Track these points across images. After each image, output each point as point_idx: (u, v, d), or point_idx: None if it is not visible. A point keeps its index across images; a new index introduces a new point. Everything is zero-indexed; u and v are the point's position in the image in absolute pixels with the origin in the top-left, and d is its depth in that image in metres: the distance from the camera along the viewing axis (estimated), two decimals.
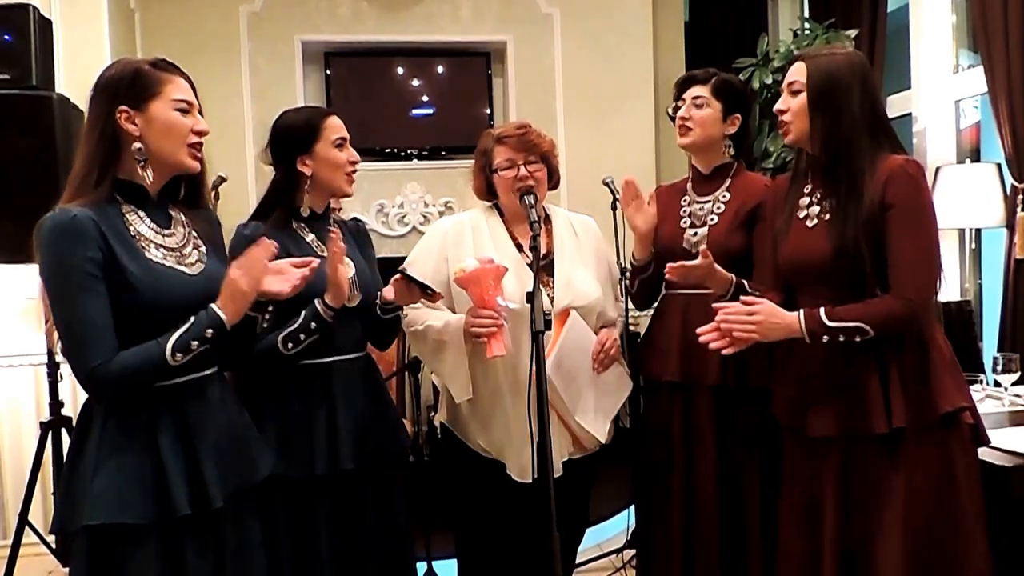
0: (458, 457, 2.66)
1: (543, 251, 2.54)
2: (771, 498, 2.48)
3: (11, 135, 3.28)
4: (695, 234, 2.69)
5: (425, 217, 5.21)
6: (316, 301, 2.26)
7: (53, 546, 3.46)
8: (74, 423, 1.97)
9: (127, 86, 1.89)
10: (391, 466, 2.47)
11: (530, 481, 2.48)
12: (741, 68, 4.82)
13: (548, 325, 2.47)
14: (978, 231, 4.36)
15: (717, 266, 2.44)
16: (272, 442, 2.24)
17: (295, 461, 2.28)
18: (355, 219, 2.69)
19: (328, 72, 5.20)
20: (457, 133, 5.23)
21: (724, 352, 2.20)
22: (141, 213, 1.92)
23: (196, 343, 1.86)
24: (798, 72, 2.24)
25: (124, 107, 1.87)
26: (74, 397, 3.75)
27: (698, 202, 2.75)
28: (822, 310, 2.12)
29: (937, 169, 4.13)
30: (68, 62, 3.93)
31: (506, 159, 2.58)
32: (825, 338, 2.13)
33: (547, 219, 2.71)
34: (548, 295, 2.54)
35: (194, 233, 2.02)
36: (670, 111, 2.80)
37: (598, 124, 5.27)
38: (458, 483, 2.70)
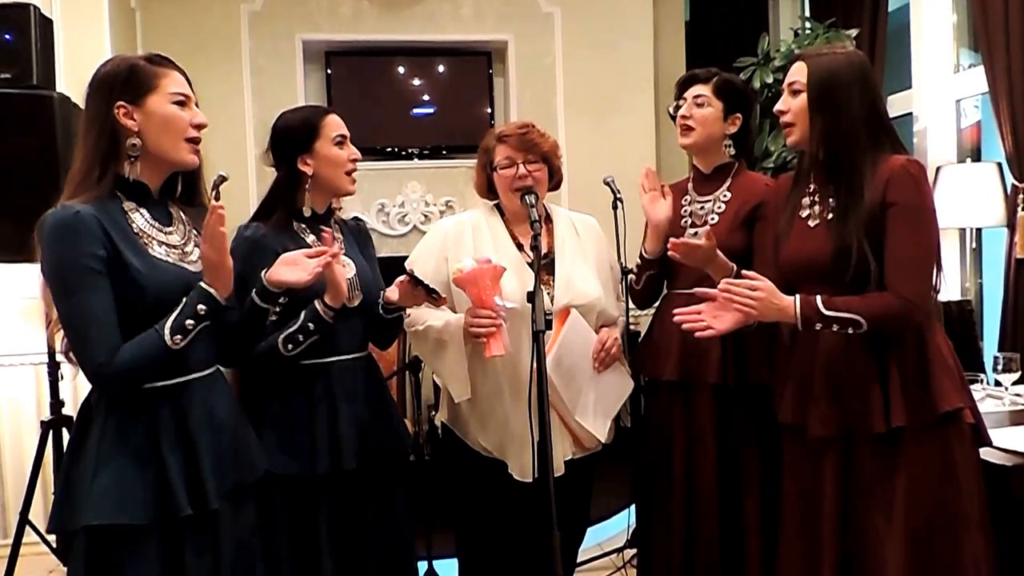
0: (459, 456, 2.66)
1: (544, 250, 2.54)
2: (771, 497, 2.48)
3: (12, 134, 3.27)
4: (696, 233, 2.69)
5: (426, 216, 5.21)
6: (316, 301, 2.26)
7: (54, 545, 3.46)
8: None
9: (123, 82, 1.89)
10: (392, 466, 2.46)
11: (531, 480, 2.48)
12: (742, 67, 4.81)
13: (549, 324, 2.47)
14: (979, 230, 4.36)
15: (720, 253, 2.44)
16: (274, 442, 2.25)
17: (296, 460, 2.28)
18: (356, 218, 2.69)
19: (329, 71, 5.20)
20: (458, 132, 5.24)
21: (699, 335, 2.19)
22: (143, 210, 1.93)
23: (191, 321, 1.86)
24: (799, 72, 2.24)
25: (122, 103, 1.88)
26: (75, 396, 3.74)
27: (699, 202, 2.75)
28: (819, 298, 2.12)
29: (938, 169, 4.13)
30: (69, 61, 3.92)
31: (505, 157, 2.58)
32: (818, 326, 2.12)
33: (548, 218, 2.71)
34: (548, 294, 2.54)
35: (194, 231, 2.02)
36: (671, 110, 2.80)
37: (599, 123, 5.27)
38: (459, 482, 2.70)
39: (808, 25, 5.06)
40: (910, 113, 4.68)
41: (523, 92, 5.31)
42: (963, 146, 4.61)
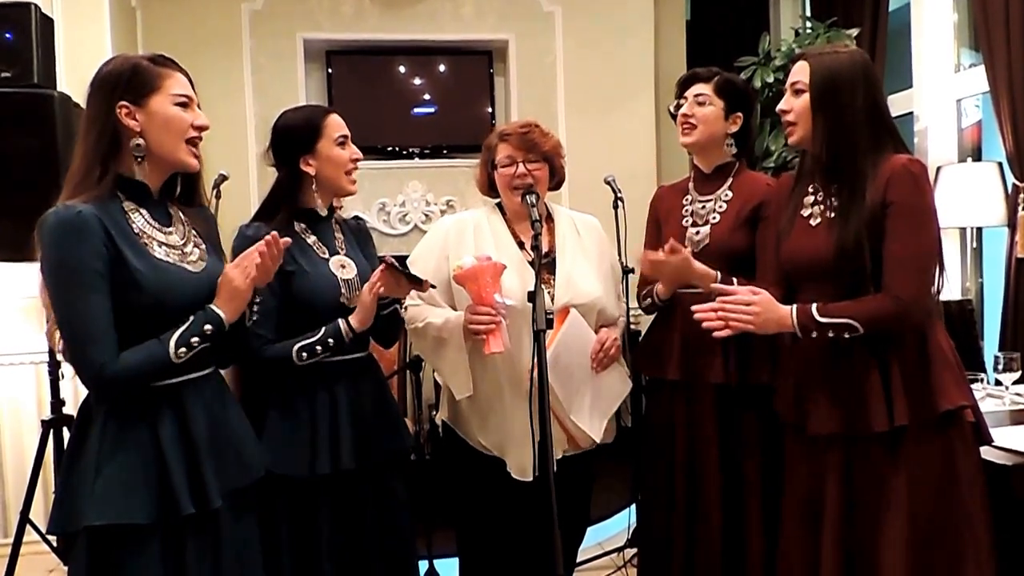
0: (460, 455, 2.66)
1: (545, 249, 2.54)
2: (773, 496, 2.48)
3: (12, 133, 3.27)
4: (697, 233, 2.69)
5: (427, 216, 5.21)
6: (340, 321, 2.28)
7: (54, 544, 3.46)
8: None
9: (127, 81, 1.88)
10: (393, 465, 2.46)
11: (530, 479, 2.48)
12: (743, 67, 4.81)
13: (550, 324, 2.47)
14: (979, 230, 4.36)
15: (696, 262, 2.43)
16: (274, 441, 2.25)
17: (297, 460, 2.28)
18: (356, 218, 2.69)
19: (330, 70, 5.21)
20: (459, 132, 5.24)
21: (717, 335, 2.19)
22: (143, 211, 1.92)
23: (197, 339, 1.87)
24: (801, 71, 2.24)
25: (124, 102, 1.87)
26: (75, 395, 3.75)
27: (700, 201, 2.75)
28: (814, 306, 2.13)
29: (938, 168, 4.13)
30: (69, 60, 3.93)
31: (506, 156, 2.59)
32: (815, 334, 2.13)
33: (549, 217, 2.71)
34: (549, 293, 2.54)
35: (193, 231, 2.01)
36: (672, 109, 2.80)
37: (599, 122, 5.27)
38: (460, 481, 2.70)
39: (809, 24, 5.06)
40: (911, 112, 4.68)
41: (524, 91, 5.31)
42: (964, 145, 4.61)
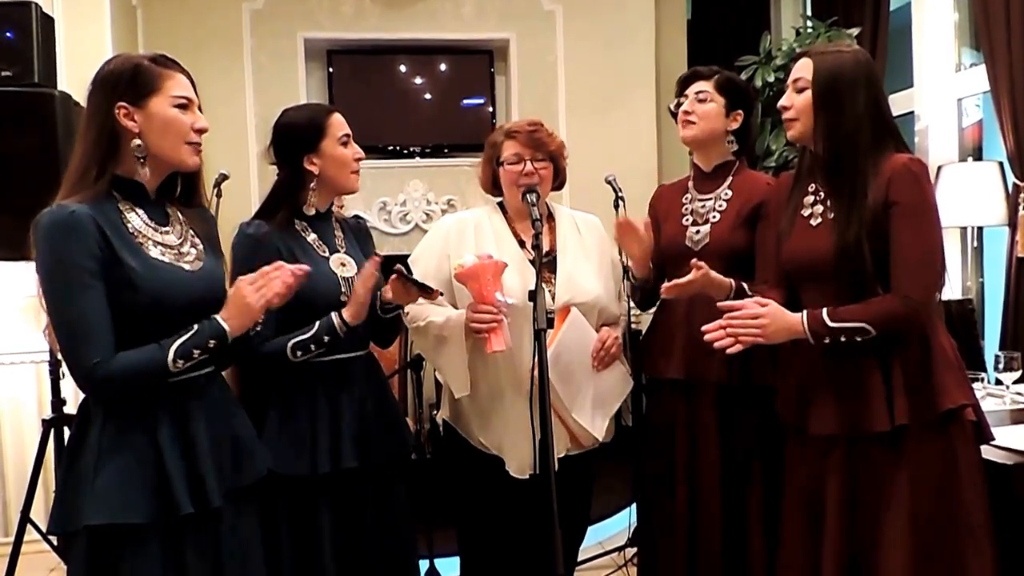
0: (461, 454, 2.66)
1: (546, 248, 2.54)
2: (774, 496, 2.48)
3: (13, 132, 3.27)
4: (697, 232, 2.69)
5: (428, 215, 5.21)
6: (333, 315, 2.26)
7: (55, 544, 3.46)
8: None
9: (127, 82, 1.87)
10: (393, 465, 2.46)
11: (527, 477, 2.48)
12: (743, 66, 4.81)
13: (551, 323, 2.47)
14: (980, 229, 4.35)
15: (714, 273, 2.43)
16: (275, 441, 2.24)
17: (298, 460, 2.27)
18: (356, 217, 2.69)
19: (331, 69, 5.21)
20: (459, 131, 5.25)
21: (729, 351, 2.19)
22: (139, 210, 1.91)
23: (198, 351, 1.86)
24: (804, 69, 2.24)
25: (123, 103, 1.85)
26: (76, 394, 3.73)
27: (700, 200, 2.74)
28: (824, 311, 2.12)
29: (939, 167, 4.13)
30: (70, 59, 3.92)
31: (514, 153, 2.59)
32: (827, 339, 2.13)
33: (550, 216, 2.71)
34: (550, 292, 2.54)
35: (191, 231, 2.00)
36: (672, 107, 2.80)
37: (600, 122, 5.27)
38: (461, 480, 2.70)
39: (810, 24, 5.06)
40: (911, 112, 4.67)
41: (525, 91, 5.31)
42: (964, 145, 4.61)
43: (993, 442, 2.29)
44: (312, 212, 2.40)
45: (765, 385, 2.50)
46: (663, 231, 2.75)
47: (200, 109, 1.96)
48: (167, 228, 1.96)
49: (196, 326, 1.86)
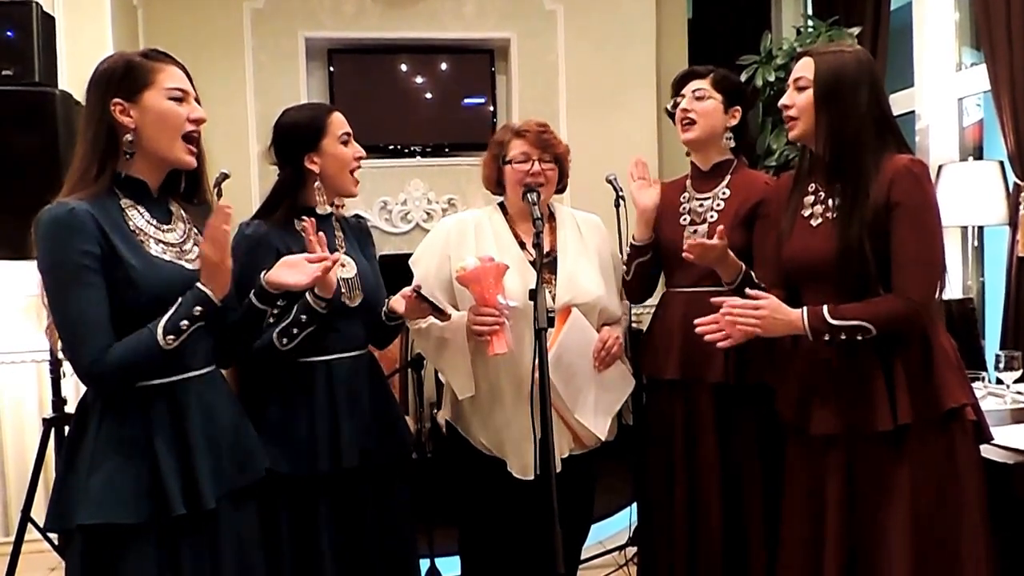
0: (461, 454, 2.67)
1: (546, 249, 2.54)
2: (774, 496, 2.48)
3: (13, 131, 3.27)
4: (695, 231, 2.68)
5: (428, 214, 5.21)
6: (306, 293, 2.22)
7: (56, 543, 3.46)
8: None
9: (120, 78, 1.88)
10: (393, 464, 2.46)
11: (531, 478, 2.49)
12: (744, 66, 4.81)
13: (551, 323, 2.47)
14: (980, 229, 4.35)
15: (730, 252, 2.44)
16: (274, 441, 2.24)
17: (297, 459, 2.28)
18: (357, 216, 2.69)
19: (332, 69, 5.21)
20: (460, 130, 5.25)
21: (720, 345, 2.20)
22: (141, 208, 1.91)
23: (186, 323, 1.84)
24: (805, 68, 2.24)
25: (118, 99, 1.86)
26: (76, 393, 3.73)
27: (698, 199, 2.74)
28: (825, 308, 2.12)
29: (940, 167, 4.12)
30: (71, 58, 3.92)
31: (522, 152, 2.59)
32: (827, 336, 2.13)
33: (551, 217, 2.71)
34: (550, 292, 2.54)
35: (195, 229, 2.00)
36: (669, 107, 2.79)
37: (601, 121, 5.26)
38: (461, 480, 2.71)
39: (810, 23, 5.05)
40: (912, 111, 4.67)
41: (525, 90, 5.30)
42: (965, 144, 4.60)
43: (993, 441, 2.29)
44: (324, 211, 2.39)
45: (763, 384, 2.50)
46: (660, 230, 2.75)
47: (198, 102, 1.96)
48: (170, 226, 1.96)
49: (180, 299, 1.85)
